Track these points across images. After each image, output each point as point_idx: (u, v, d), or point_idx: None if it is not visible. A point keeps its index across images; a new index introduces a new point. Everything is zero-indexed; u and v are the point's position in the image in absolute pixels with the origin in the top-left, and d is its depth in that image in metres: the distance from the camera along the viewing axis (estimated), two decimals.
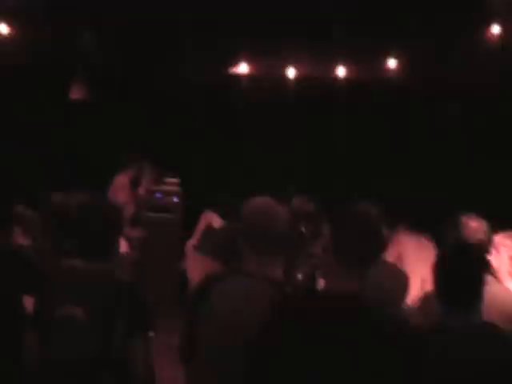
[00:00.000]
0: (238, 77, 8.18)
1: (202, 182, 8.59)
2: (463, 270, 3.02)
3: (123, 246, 7.51)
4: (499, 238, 4.02)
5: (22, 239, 4.71)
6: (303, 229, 7.41)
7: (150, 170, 7.92)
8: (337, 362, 2.31)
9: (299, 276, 6.10)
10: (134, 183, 7.83)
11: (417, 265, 5.63)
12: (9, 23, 7.36)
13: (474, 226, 3.87)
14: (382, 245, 2.67)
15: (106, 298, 3.10)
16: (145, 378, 3.15)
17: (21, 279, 3.90)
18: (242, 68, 7.94)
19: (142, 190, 7.94)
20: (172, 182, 9.27)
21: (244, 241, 3.05)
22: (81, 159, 8.81)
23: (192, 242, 7.09)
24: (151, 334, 3.29)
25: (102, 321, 3.05)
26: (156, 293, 7.90)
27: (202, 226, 6.80)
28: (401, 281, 3.96)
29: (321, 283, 5.18)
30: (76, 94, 9.09)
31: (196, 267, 6.21)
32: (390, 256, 6.15)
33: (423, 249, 5.77)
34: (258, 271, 2.95)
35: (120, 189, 7.70)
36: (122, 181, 7.79)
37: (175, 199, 9.20)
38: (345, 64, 7.69)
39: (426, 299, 3.75)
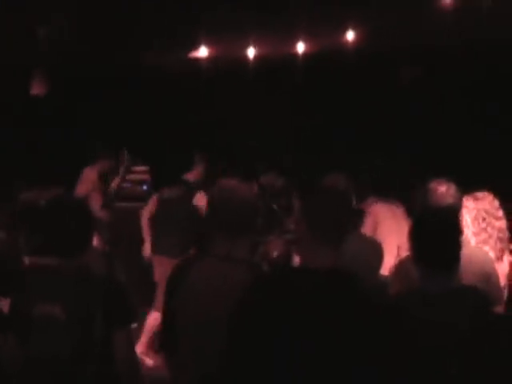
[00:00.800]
0: (199, 60, 8.13)
1: (169, 168, 8.57)
2: (440, 233, 3.07)
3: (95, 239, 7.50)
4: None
5: None
6: (274, 206, 7.45)
7: (127, 159, 7.88)
8: (320, 338, 2.29)
9: (274, 253, 6.13)
10: (103, 176, 7.76)
11: (391, 233, 5.70)
12: None
13: (443, 190, 3.90)
14: (354, 216, 2.68)
15: (81, 293, 3.07)
16: (128, 369, 3.14)
17: None
18: (202, 52, 7.89)
19: (116, 181, 7.89)
20: (141, 171, 9.25)
21: (212, 224, 3.06)
22: (49, 154, 8.76)
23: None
24: (133, 325, 3.28)
25: (79, 317, 3.03)
26: (128, 282, 7.91)
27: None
28: (376, 251, 4.00)
29: (296, 259, 5.20)
30: (37, 89, 9.00)
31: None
32: (365, 226, 6.24)
33: (396, 217, 5.83)
34: (229, 253, 2.96)
35: (84, 182, 7.65)
36: (88, 174, 7.73)
37: (144, 187, 9.19)
38: (304, 40, 7.66)
39: (401, 266, 3.76)
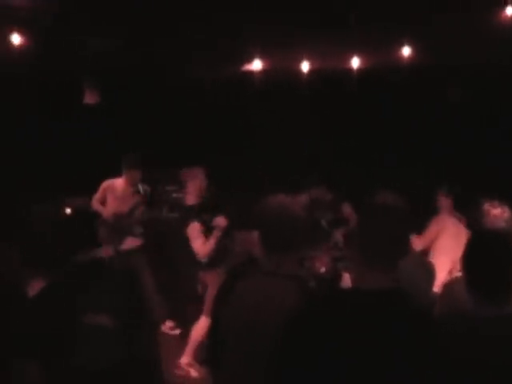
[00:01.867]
0: (252, 73, 8.14)
1: (220, 180, 8.57)
2: (496, 259, 2.94)
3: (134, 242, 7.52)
4: None
5: None
6: (323, 221, 7.39)
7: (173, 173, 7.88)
8: (372, 361, 2.24)
9: (321, 269, 6.07)
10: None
11: (449, 247, 5.62)
12: (21, 33, 7.39)
13: (497, 213, 3.82)
14: (410, 238, 2.62)
15: (127, 302, 3.07)
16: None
17: None
18: (256, 64, 7.89)
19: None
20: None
21: (260, 240, 3.03)
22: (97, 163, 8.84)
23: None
24: (176, 331, 3.27)
25: (126, 324, 3.03)
26: (176, 291, 7.93)
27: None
28: (429, 273, 3.93)
29: (345, 278, 5.14)
30: (89, 98, 9.12)
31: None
32: (428, 232, 6.16)
33: (458, 233, 5.76)
34: (278, 269, 2.93)
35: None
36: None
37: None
38: (359, 54, 7.62)
39: (448, 287, 3.72)
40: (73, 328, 3.05)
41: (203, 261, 6.50)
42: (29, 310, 3.22)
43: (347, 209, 7.68)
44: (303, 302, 2.56)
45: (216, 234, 6.44)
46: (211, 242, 6.43)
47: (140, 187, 7.56)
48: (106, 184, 7.63)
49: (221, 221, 6.49)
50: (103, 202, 7.61)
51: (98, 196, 7.64)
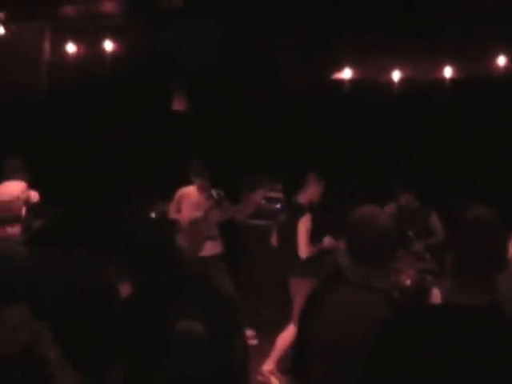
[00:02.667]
0: (342, 82, 8.08)
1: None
2: None
3: None
4: None
5: None
6: (410, 233, 7.25)
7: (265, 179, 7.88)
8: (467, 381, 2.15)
9: (407, 282, 5.94)
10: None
11: None
12: (113, 40, 7.55)
13: None
14: (507, 252, 2.52)
15: (222, 312, 3.07)
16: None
17: None
18: (346, 73, 7.83)
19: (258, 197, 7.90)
20: (276, 189, 9.26)
21: (348, 252, 2.97)
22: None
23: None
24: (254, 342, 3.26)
25: (220, 335, 3.02)
26: (260, 299, 7.94)
27: None
28: None
29: (435, 293, 5.01)
30: (178, 105, 9.24)
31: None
32: None
33: None
34: (367, 282, 2.88)
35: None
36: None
37: (277, 206, 9.19)
38: (452, 64, 7.46)
39: None
40: (164, 335, 3.06)
41: (299, 267, 6.50)
42: (120, 314, 3.25)
43: (434, 220, 7.54)
44: (393, 316, 2.52)
45: (319, 246, 6.45)
46: (313, 249, 6.44)
47: (213, 192, 7.62)
48: (180, 192, 7.72)
49: (327, 241, 6.51)
50: (179, 210, 7.68)
51: (173, 205, 7.72)
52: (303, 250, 6.46)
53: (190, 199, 7.66)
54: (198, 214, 7.46)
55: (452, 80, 7.68)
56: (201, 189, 7.60)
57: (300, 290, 6.40)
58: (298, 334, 3.13)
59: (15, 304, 2.52)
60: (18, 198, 4.47)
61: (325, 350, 2.87)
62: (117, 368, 3.19)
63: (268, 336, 6.85)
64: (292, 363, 3.16)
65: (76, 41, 7.75)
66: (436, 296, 4.91)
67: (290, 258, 6.60)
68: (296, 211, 6.67)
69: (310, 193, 6.78)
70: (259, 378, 6.49)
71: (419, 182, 7.89)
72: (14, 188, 4.58)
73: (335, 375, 2.83)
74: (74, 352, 2.71)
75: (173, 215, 7.68)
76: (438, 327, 2.28)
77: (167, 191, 7.94)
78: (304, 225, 6.51)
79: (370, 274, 2.88)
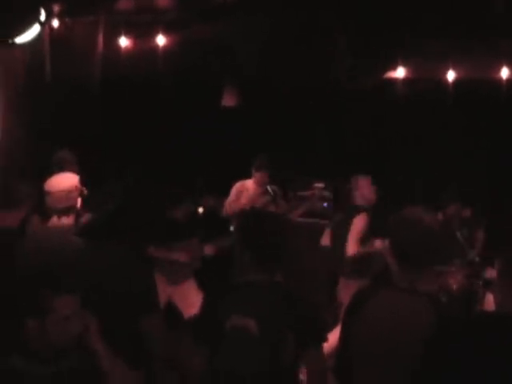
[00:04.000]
0: (395, 81, 7.99)
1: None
2: None
3: None
4: None
5: None
6: (458, 235, 7.14)
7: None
8: None
9: (454, 286, 5.85)
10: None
11: None
12: (166, 34, 7.59)
13: None
14: None
15: (276, 311, 3.05)
16: None
17: None
18: (399, 72, 7.75)
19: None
20: (320, 187, 9.22)
21: (392, 254, 2.94)
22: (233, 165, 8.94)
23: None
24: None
25: (272, 334, 3.00)
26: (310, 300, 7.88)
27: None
28: None
29: (489, 299, 4.91)
30: (228, 101, 9.25)
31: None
32: None
33: None
34: (412, 285, 2.83)
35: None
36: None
37: (325, 204, 9.15)
38: (509, 65, 7.30)
39: None
40: (216, 330, 3.05)
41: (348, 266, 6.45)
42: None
43: (480, 234, 7.40)
44: (440, 323, 2.48)
45: (370, 247, 6.39)
46: (361, 249, 6.38)
47: (269, 188, 7.61)
48: (238, 185, 7.73)
49: (378, 243, 6.44)
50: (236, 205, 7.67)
51: (232, 198, 7.70)
52: (352, 248, 6.40)
53: (248, 192, 7.65)
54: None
55: (509, 81, 7.53)
56: (259, 183, 7.60)
57: (347, 290, 6.35)
58: (341, 335, 3.11)
59: (67, 294, 2.53)
60: (75, 187, 4.54)
61: (368, 354, 2.86)
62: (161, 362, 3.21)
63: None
64: (335, 364, 3.14)
65: (129, 35, 7.80)
66: (490, 302, 4.82)
67: (342, 257, 6.57)
68: (353, 211, 6.63)
69: (365, 195, 6.73)
70: (302, 377, 6.47)
71: (473, 191, 7.73)
72: (71, 179, 4.65)
73: (379, 379, 2.82)
74: (120, 346, 2.72)
75: (231, 211, 7.67)
76: (490, 335, 2.22)
77: (216, 186, 7.97)
78: (359, 224, 6.46)
79: (415, 277, 2.84)
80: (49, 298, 2.47)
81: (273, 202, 7.58)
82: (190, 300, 3.49)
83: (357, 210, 6.60)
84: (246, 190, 7.70)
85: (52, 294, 2.48)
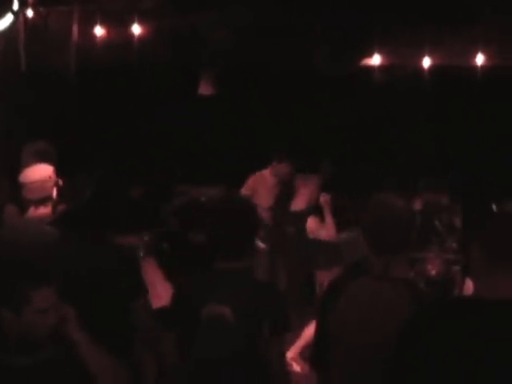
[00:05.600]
0: (371, 68, 8.00)
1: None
2: None
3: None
4: None
5: None
6: (436, 223, 7.17)
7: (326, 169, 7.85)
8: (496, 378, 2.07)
9: (432, 272, 5.89)
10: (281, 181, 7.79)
11: None
12: (142, 23, 7.55)
13: None
14: None
15: (251, 298, 3.06)
16: (281, 377, 3.10)
17: None
18: (375, 59, 7.75)
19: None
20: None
21: (366, 240, 2.94)
22: (213, 155, 8.94)
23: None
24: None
25: (248, 322, 3.01)
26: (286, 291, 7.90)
27: None
28: None
29: (468, 285, 4.96)
30: (204, 89, 9.21)
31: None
32: None
33: None
34: (386, 272, 2.84)
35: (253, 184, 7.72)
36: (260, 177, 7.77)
37: None
38: (484, 51, 7.31)
39: None
40: (193, 318, 3.06)
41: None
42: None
43: (459, 219, 7.44)
44: (417, 309, 2.47)
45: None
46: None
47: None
48: (255, 177, 7.68)
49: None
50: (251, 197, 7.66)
51: (246, 191, 7.69)
52: (330, 234, 6.42)
53: (265, 185, 7.64)
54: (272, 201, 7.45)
55: (484, 67, 7.55)
56: (279, 174, 7.58)
57: (325, 280, 6.39)
58: (317, 324, 3.12)
59: (44, 287, 2.51)
60: (50, 177, 4.53)
61: (346, 342, 2.86)
62: (146, 352, 3.22)
63: (296, 326, 6.83)
64: (311, 352, 3.16)
65: (104, 24, 7.75)
66: (469, 288, 4.86)
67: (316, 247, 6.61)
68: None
69: (306, 195, 6.74)
70: (296, 367, 6.51)
71: (449, 176, 7.77)
72: (44, 170, 4.63)
73: (356, 367, 2.83)
74: (102, 336, 2.71)
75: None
76: (468, 321, 2.21)
77: (191, 175, 7.95)
78: (312, 222, 6.52)
79: (390, 264, 2.84)
80: (25, 290, 2.45)
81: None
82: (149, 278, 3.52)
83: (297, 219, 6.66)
84: (264, 182, 7.65)
85: (28, 286, 2.46)
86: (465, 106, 8.64)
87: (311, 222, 6.64)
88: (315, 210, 6.75)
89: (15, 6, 5.53)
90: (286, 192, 7.77)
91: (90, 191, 4.55)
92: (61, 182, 4.74)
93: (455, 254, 6.59)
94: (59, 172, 4.81)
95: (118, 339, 3.12)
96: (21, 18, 6.96)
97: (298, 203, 6.77)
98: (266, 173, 7.69)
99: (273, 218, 7.64)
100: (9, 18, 5.48)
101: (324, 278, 6.55)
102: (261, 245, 7.63)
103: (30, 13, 7.29)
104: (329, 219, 6.44)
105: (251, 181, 7.69)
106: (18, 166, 4.84)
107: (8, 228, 4.20)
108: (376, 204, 2.97)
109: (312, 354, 3.13)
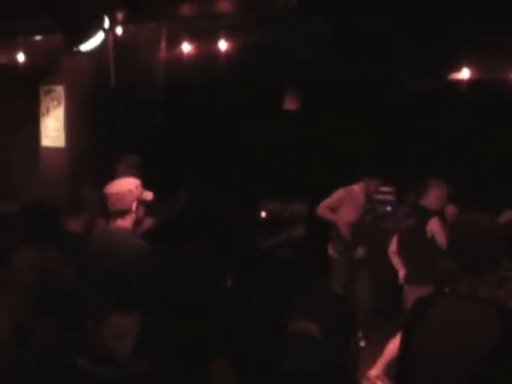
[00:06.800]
0: (459, 82, 7.84)
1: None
2: None
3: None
4: None
5: None
6: None
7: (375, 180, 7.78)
8: None
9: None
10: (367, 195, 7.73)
11: None
12: (228, 39, 7.64)
13: None
14: None
15: (339, 313, 3.03)
16: None
17: None
18: (464, 73, 7.60)
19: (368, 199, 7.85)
20: (386, 191, 9.13)
21: (454, 260, 2.88)
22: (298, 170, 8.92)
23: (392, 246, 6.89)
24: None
25: (336, 338, 2.98)
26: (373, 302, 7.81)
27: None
28: None
29: None
30: (290, 104, 9.25)
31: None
32: None
33: None
34: (475, 292, 2.77)
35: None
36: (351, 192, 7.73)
37: (388, 208, 9.07)
38: None
39: None
40: (279, 334, 3.05)
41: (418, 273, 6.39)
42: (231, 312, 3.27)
43: None
44: (506, 330, 2.42)
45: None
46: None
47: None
48: (344, 191, 7.65)
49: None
50: (333, 210, 7.64)
51: (330, 203, 7.66)
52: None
53: (355, 200, 7.63)
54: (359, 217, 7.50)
55: None
56: (367, 190, 7.56)
57: (410, 295, 6.29)
58: (401, 342, 3.05)
59: (123, 313, 2.50)
60: (130, 191, 4.58)
61: (430, 363, 2.80)
62: (223, 361, 3.21)
63: (378, 341, 6.73)
64: (395, 372, 3.09)
65: (191, 40, 7.87)
66: None
67: (412, 263, 6.52)
68: (423, 215, 6.53)
69: (434, 198, 6.62)
70: (365, 382, 6.40)
71: None
72: (127, 183, 4.70)
73: None
74: (186, 346, 2.72)
75: (326, 214, 7.67)
76: None
77: (275, 190, 7.95)
78: (435, 228, 6.38)
79: (477, 284, 2.77)
80: (105, 311, 2.46)
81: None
82: None
83: (427, 215, 6.50)
84: (352, 197, 7.64)
85: (108, 308, 2.46)
86: None
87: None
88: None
89: (106, 24, 5.66)
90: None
91: (179, 206, 4.62)
92: (149, 197, 4.79)
93: None
94: (149, 188, 4.86)
95: (198, 348, 3.14)
96: (110, 36, 7.13)
97: (431, 203, 6.71)
98: (357, 188, 7.63)
99: (352, 232, 7.58)
100: (100, 35, 5.61)
101: (410, 293, 6.44)
102: (338, 258, 7.58)
103: (119, 30, 7.48)
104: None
105: (341, 194, 7.64)
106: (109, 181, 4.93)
107: (96, 237, 4.31)
108: (463, 223, 2.92)
109: (396, 373, 3.09)
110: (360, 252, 7.61)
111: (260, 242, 6.35)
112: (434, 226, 6.38)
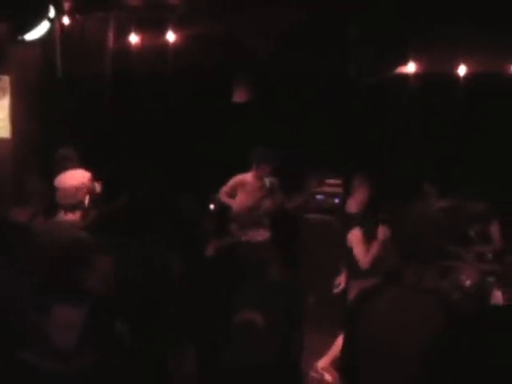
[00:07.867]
0: (405, 76, 7.94)
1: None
2: None
3: None
4: None
5: None
6: (471, 232, 7.09)
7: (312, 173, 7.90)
8: None
9: (467, 282, 5.82)
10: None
11: None
12: (176, 30, 7.60)
13: None
14: None
15: (281, 303, 3.06)
16: None
17: None
18: (410, 67, 7.70)
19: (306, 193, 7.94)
20: (334, 184, 9.19)
21: (398, 250, 2.94)
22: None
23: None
24: None
25: (278, 324, 3.01)
26: (316, 295, 7.87)
27: None
28: None
29: (496, 295, 4.89)
30: (239, 96, 9.24)
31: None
32: None
33: None
34: (418, 283, 2.82)
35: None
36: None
37: (336, 200, 9.12)
38: None
39: None
40: (226, 325, 3.06)
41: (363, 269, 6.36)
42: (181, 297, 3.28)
43: (495, 228, 7.29)
44: (449, 320, 2.46)
45: (377, 243, 6.22)
46: (373, 252, 6.22)
47: (266, 181, 7.68)
48: (236, 179, 7.80)
49: (382, 231, 6.24)
50: (231, 196, 7.80)
51: (226, 189, 7.84)
52: (363, 260, 6.26)
53: (245, 187, 7.73)
54: (253, 202, 7.52)
55: None
56: (257, 177, 7.64)
57: (354, 289, 6.33)
58: (346, 334, 3.09)
59: (68, 305, 2.47)
60: (83, 184, 4.54)
61: (375, 353, 2.83)
62: (181, 350, 3.22)
63: (323, 333, 6.78)
64: (340, 364, 3.14)
65: (139, 31, 7.82)
66: (497, 298, 4.79)
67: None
68: (345, 222, 6.54)
69: (359, 199, 6.57)
70: (313, 374, 6.46)
71: (484, 183, 7.66)
72: (80, 176, 4.65)
73: (385, 377, 2.80)
74: (143, 332, 2.71)
75: (225, 199, 7.80)
76: (502, 332, 2.20)
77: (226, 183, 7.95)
78: (355, 236, 6.30)
79: (421, 274, 2.81)
80: (48, 303, 2.42)
81: (270, 194, 7.66)
82: None
83: (349, 221, 6.51)
84: (243, 184, 7.76)
85: (51, 300, 2.42)
86: (501, 114, 8.52)
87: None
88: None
89: (51, 14, 5.58)
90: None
91: (120, 198, 4.60)
92: (98, 189, 4.75)
93: (491, 264, 6.51)
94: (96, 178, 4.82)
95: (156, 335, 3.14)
96: (57, 26, 7.04)
97: (351, 206, 6.64)
98: (248, 175, 7.77)
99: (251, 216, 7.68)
100: (45, 25, 5.53)
101: (354, 285, 6.48)
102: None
103: (66, 20, 7.38)
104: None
105: (233, 181, 7.82)
106: (54, 172, 4.86)
107: (42, 230, 4.25)
108: (407, 214, 2.97)
109: (341, 365, 3.12)
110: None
111: (205, 230, 6.35)
112: (352, 238, 6.32)
